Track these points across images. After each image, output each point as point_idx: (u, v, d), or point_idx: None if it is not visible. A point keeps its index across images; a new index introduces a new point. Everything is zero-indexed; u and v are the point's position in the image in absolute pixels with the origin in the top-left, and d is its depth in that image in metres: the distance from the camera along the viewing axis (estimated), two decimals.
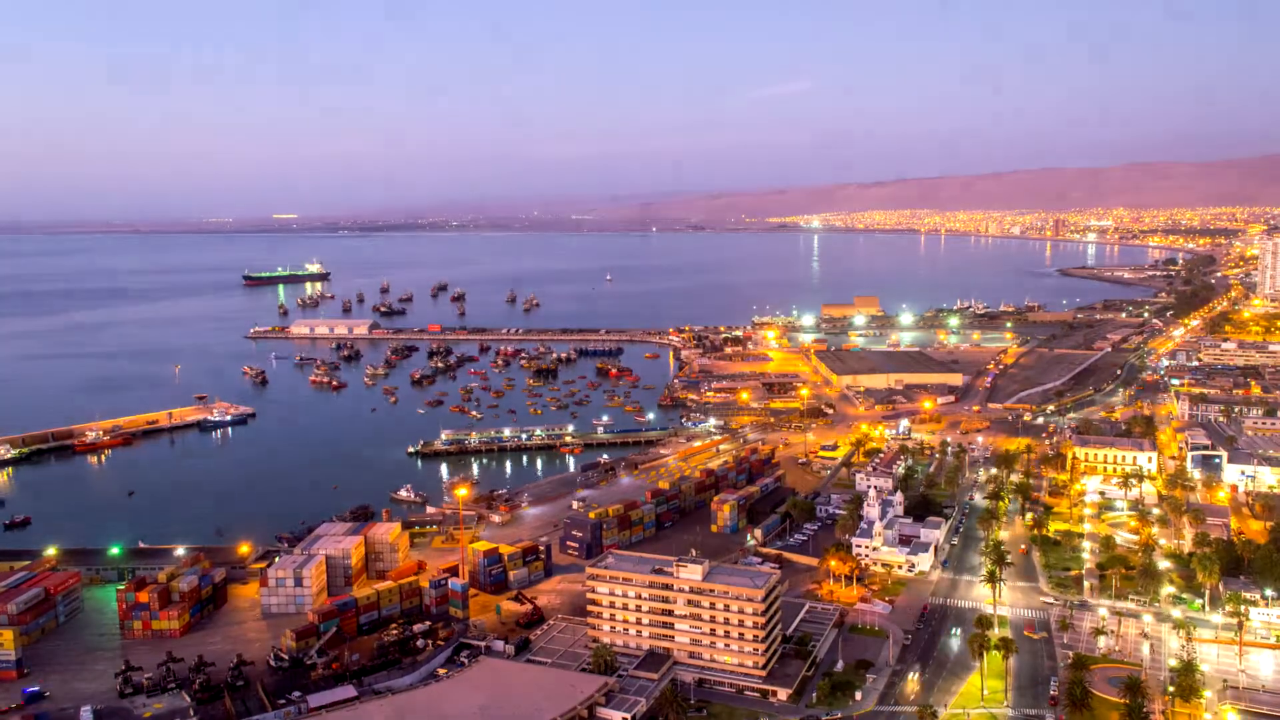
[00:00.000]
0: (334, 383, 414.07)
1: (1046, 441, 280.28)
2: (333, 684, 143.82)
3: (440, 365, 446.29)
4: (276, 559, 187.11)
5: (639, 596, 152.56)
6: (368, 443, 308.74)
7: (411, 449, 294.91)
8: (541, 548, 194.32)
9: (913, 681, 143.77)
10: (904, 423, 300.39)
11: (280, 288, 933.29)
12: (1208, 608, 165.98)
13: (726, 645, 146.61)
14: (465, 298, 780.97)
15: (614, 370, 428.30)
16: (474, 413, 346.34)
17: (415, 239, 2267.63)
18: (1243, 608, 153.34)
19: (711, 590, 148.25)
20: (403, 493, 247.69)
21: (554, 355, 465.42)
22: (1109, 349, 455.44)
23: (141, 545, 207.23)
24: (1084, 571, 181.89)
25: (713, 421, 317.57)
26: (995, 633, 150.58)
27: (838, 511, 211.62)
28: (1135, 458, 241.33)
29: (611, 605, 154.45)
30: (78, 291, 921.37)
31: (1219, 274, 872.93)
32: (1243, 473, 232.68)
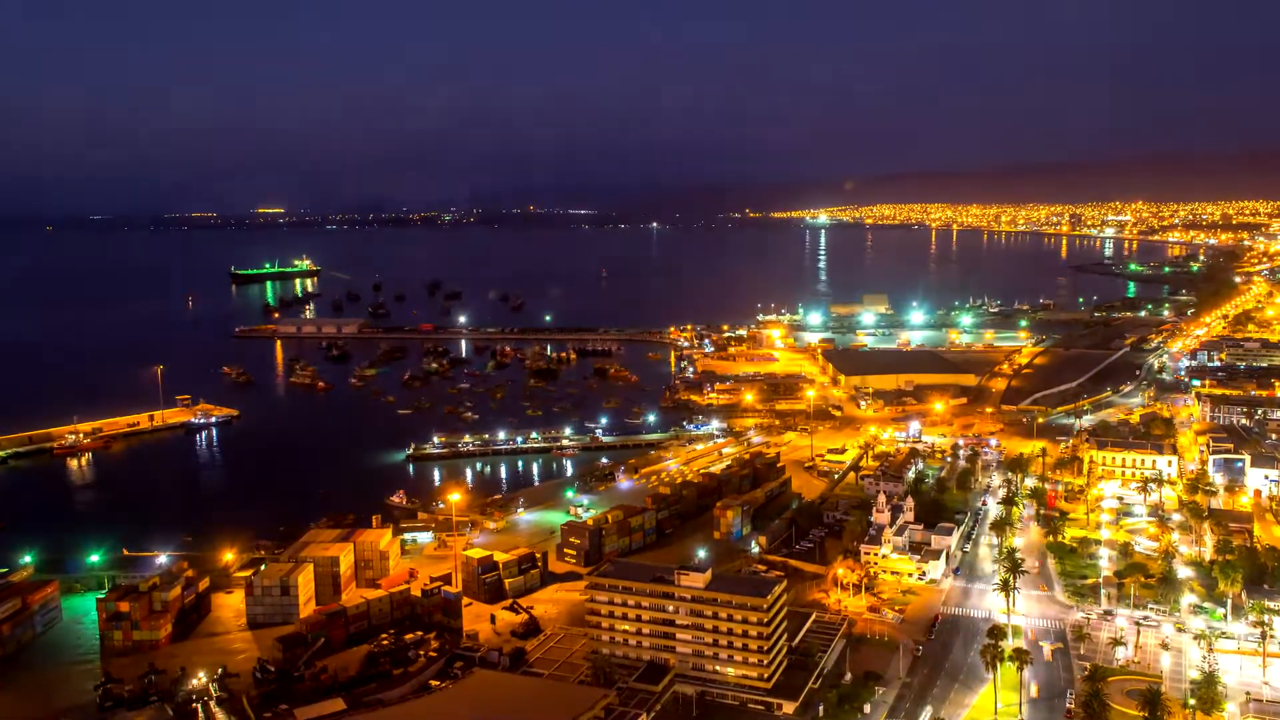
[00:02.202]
0: (320, 384, 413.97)
1: (1062, 445, 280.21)
2: (321, 696, 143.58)
3: (433, 366, 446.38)
4: (263, 567, 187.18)
5: (639, 606, 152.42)
6: (357, 446, 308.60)
7: (404, 453, 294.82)
8: (538, 555, 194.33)
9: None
10: (914, 425, 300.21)
11: (269, 284, 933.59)
12: (1230, 618, 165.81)
13: (730, 656, 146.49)
14: (461, 296, 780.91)
15: (613, 370, 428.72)
16: (472, 415, 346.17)
17: (405, 234, 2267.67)
18: (1267, 618, 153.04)
19: (714, 599, 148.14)
20: (396, 498, 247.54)
21: (550, 355, 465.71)
22: (1127, 348, 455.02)
23: (123, 552, 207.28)
24: (1101, 580, 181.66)
25: (716, 424, 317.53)
26: (1009, 643, 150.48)
27: (845, 517, 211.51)
28: (1154, 461, 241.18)
29: (610, 615, 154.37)
30: (54, 288, 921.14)
31: (1242, 270, 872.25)
32: (1266, 477, 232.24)
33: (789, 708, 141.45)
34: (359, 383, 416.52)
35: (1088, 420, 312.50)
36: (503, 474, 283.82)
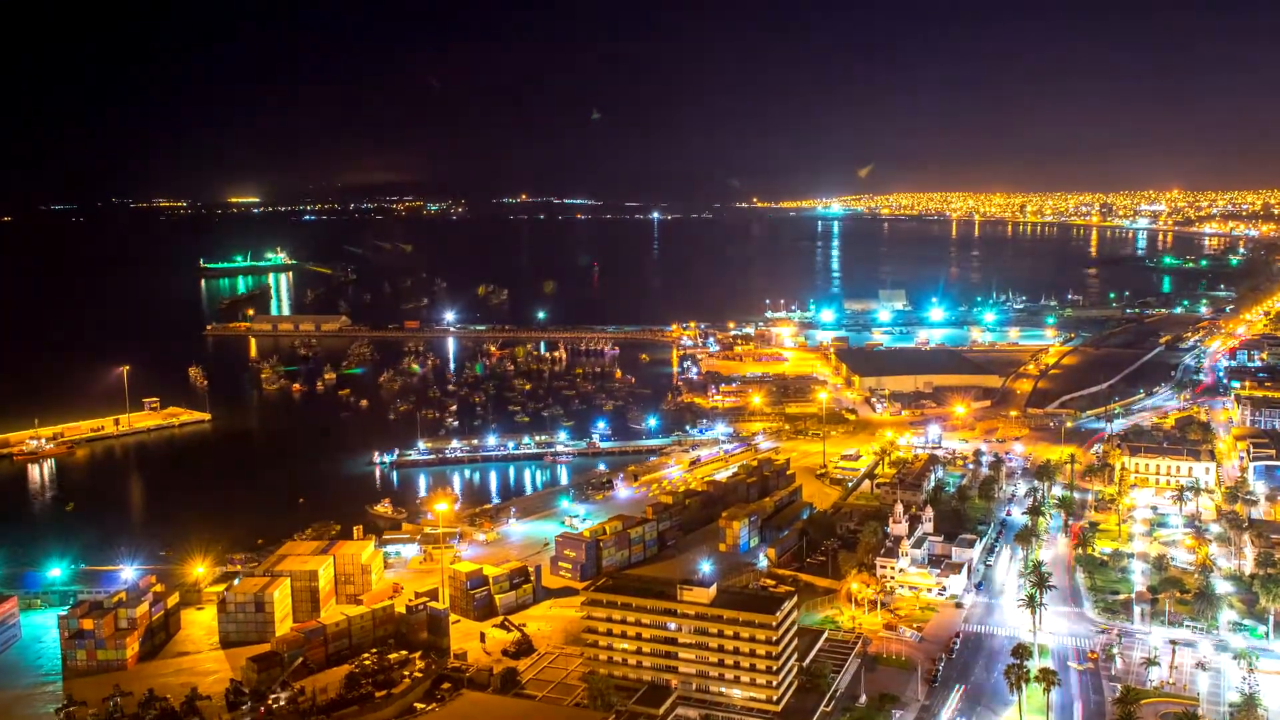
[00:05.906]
0: (295, 385, 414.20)
1: (1092, 451, 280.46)
2: None
3: (415, 367, 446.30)
4: (236, 581, 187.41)
5: (639, 623, 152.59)
6: (337, 452, 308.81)
7: (387, 459, 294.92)
8: (531, 568, 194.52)
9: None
10: (934, 429, 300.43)
11: (241, 279, 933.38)
12: (1272, 635, 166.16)
13: (736, 677, 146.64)
14: (447, 290, 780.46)
15: (615, 372, 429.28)
16: (451, 420, 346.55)
17: (391, 225, 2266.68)
18: None
19: (720, 616, 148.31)
20: (379, 508, 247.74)
21: (544, 355, 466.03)
22: (1161, 348, 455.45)
23: (86, 566, 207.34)
24: (1134, 595, 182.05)
25: (721, 428, 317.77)
26: (1035, 663, 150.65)
27: (860, 528, 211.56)
28: (1191, 468, 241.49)
29: (608, 633, 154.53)
30: (12, 282, 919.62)
31: None
32: None
33: None
34: (325, 382, 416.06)
35: (1119, 424, 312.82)
36: (493, 482, 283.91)
